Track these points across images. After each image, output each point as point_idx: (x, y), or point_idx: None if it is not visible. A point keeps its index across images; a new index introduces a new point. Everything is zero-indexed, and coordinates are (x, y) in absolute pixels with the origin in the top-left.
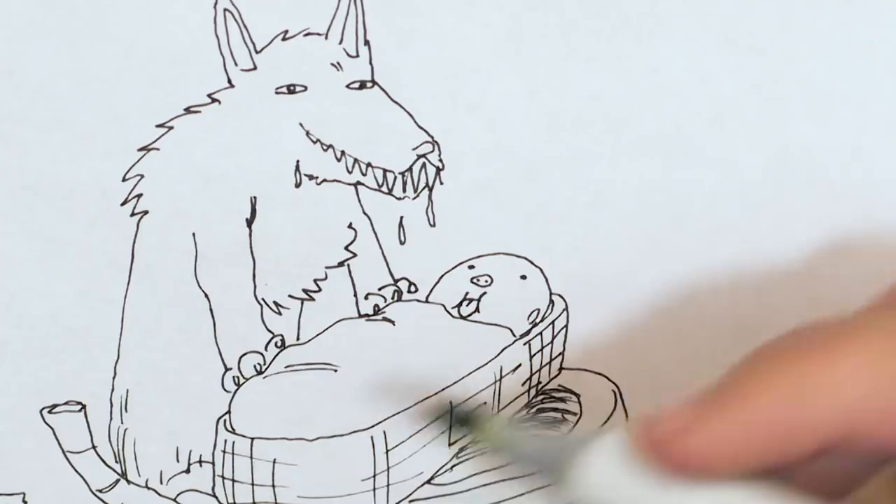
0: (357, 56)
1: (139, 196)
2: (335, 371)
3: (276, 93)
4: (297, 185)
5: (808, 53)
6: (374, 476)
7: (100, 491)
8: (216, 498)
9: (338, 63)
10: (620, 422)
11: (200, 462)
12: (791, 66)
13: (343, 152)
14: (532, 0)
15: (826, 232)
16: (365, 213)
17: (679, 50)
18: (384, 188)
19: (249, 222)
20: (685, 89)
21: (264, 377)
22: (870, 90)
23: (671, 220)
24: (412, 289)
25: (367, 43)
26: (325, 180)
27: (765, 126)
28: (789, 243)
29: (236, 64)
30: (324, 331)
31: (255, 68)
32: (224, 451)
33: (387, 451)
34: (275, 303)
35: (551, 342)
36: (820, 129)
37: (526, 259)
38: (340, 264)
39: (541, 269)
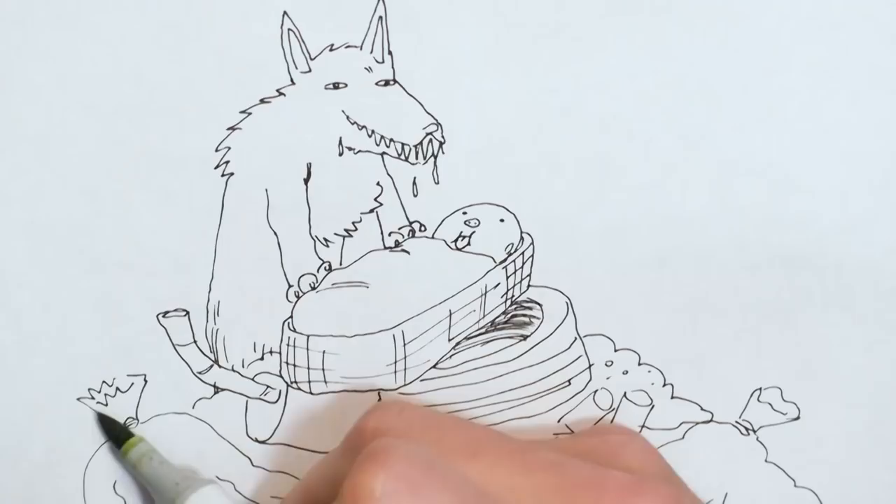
0: (383, 62)
1: (227, 162)
2: (367, 287)
3: (325, 89)
4: (340, 155)
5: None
6: (395, 362)
7: (200, 373)
8: (282, 378)
9: (369, 67)
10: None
11: (271, 352)
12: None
13: (373, 131)
14: (510, 19)
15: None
16: (389, 175)
17: (629, 52)
18: (402, 157)
19: (306, 181)
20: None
21: (317, 292)
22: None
23: (608, 181)
24: (422, 228)
25: (390, 52)
26: (360, 151)
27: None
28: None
29: (297, 67)
30: (359, 258)
31: (310, 71)
32: (288, 345)
33: (404, 344)
34: (324, 238)
35: (522, 267)
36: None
37: (504, 207)
38: (371, 211)
39: (514, 215)
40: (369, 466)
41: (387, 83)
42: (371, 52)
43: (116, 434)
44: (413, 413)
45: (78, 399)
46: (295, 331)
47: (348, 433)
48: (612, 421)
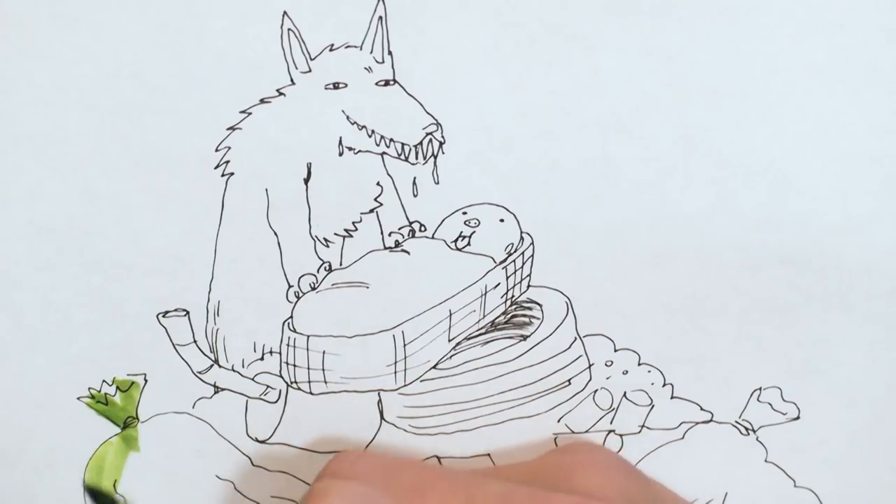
0: (383, 62)
1: (227, 162)
2: (367, 287)
3: (325, 89)
4: (340, 154)
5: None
6: (395, 362)
7: (200, 372)
8: (282, 378)
9: (369, 67)
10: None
11: (271, 352)
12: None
13: (373, 131)
14: (510, 19)
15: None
16: (389, 175)
17: (624, 60)
18: (402, 156)
19: (306, 181)
20: (629, 87)
21: (317, 292)
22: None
23: (607, 181)
24: (422, 228)
25: (390, 53)
26: (360, 151)
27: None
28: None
29: (297, 67)
30: (359, 259)
31: (310, 71)
32: (288, 345)
33: (405, 344)
34: (324, 238)
35: (522, 267)
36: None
37: (503, 207)
38: (371, 211)
39: (514, 215)
40: None
41: (387, 83)
42: (371, 52)
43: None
44: (367, 461)
45: (78, 398)
46: (295, 331)
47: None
48: (612, 421)
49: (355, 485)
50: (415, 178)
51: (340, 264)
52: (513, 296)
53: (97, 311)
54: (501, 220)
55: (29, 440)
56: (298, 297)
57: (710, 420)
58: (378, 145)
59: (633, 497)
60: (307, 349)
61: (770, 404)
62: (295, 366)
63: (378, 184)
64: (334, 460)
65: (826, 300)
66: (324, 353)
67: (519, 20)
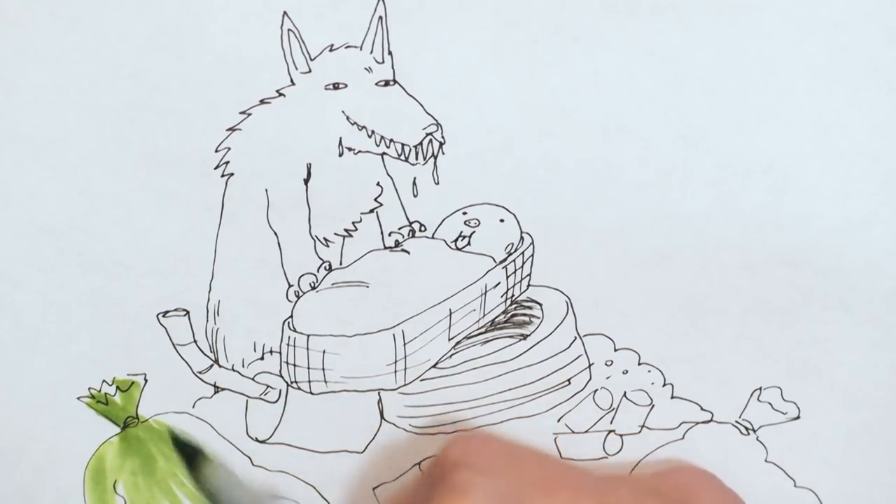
0: (383, 62)
1: (227, 162)
2: (367, 287)
3: (325, 89)
4: (340, 155)
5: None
6: (395, 361)
7: (200, 372)
8: (282, 377)
9: (369, 67)
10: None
11: (271, 352)
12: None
13: (373, 131)
14: (510, 19)
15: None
16: (389, 175)
17: (617, 59)
18: (402, 157)
19: (306, 181)
20: (621, 88)
21: (317, 291)
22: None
23: (607, 181)
24: (422, 228)
25: (390, 53)
26: (360, 151)
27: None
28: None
29: (297, 68)
30: (359, 258)
31: (310, 71)
32: (288, 344)
33: (405, 343)
34: (324, 238)
35: (522, 266)
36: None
37: (503, 207)
38: (371, 211)
39: (514, 215)
40: (450, 501)
41: (387, 83)
42: (371, 52)
43: (189, 453)
44: (494, 446)
45: (78, 398)
46: (295, 330)
47: (430, 462)
48: (612, 421)
49: (496, 480)
50: (415, 178)
51: (340, 264)
52: (513, 295)
53: (97, 311)
54: (501, 220)
55: (29, 440)
56: (298, 297)
57: (710, 420)
58: (378, 146)
59: None
60: (307, 348)
61: (770, 404)
62: (295, 365)
63: (378, 184)
64: (459, 443)
65: (826, 300)
66: (324, 352)
67: (519, 20)
